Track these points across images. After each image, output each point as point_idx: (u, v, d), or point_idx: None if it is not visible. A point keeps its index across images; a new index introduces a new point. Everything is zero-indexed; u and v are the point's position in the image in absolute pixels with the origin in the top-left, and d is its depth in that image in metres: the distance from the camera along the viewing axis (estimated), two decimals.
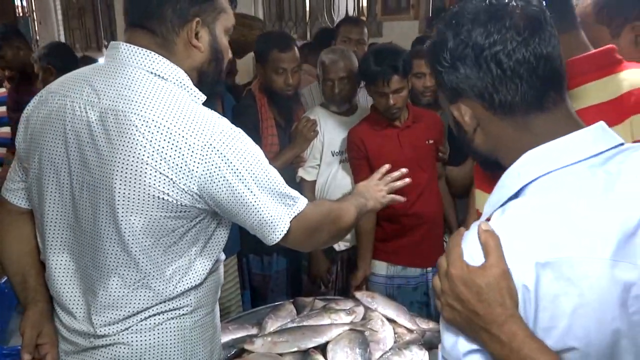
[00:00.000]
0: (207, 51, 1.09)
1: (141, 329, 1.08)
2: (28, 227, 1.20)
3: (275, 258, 2.34)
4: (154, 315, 1.08)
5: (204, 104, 1.07)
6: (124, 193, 0.99)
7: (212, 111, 1.05)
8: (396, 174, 1.45)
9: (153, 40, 1.05)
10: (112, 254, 1.04)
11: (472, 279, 0.67)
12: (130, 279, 1.05)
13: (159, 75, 1.04)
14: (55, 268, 1.12)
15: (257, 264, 2.35)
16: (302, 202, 1.12)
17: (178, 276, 1.08)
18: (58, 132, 1.06)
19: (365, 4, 4.84)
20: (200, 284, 1.12)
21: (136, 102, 0.99)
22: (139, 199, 0.99)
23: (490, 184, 1.43)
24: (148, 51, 1.04)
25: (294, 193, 1.11)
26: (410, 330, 1.60)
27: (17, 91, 3.06)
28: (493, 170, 0.80)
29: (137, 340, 1.08)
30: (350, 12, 4.85)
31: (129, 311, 1.07)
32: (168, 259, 1.06)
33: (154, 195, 0.98)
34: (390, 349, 1.48)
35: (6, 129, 3.03)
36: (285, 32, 3.55)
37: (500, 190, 0.75)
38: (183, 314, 1.11)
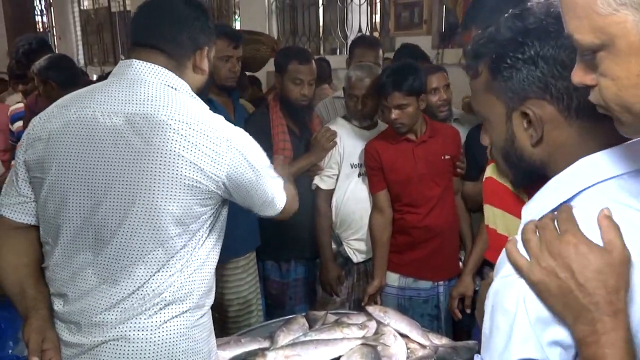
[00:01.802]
0: (206, 74, 1.30)
1: (148, 326, 1.15)
2: (24, 241, 1.24)
3: (293, 266, 2.35)
4: (161, 310, 1.16)
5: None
6: (164, 183, 1.11)
7: (221, 119, 1.22)
8: None
9: (167, 61, 1.21)
10: (140, 243, 1.14)
11: (596, 254, 0.61)
12: (156, 263, 1.15)
13: (173, 87, 1.20)
14: (70, 269, 1.17)
15: (275, 271, 2.36)
16: (285, 190, 1.34)
17: (193, 267, 1.20)
18: (78, 139, 1.14)
19: (378, 19, 4.88)
20: (208, 280, 1.25)
21: (163, 105, 1.14)
22: (176, 188, 1.12)
23: (500, 198, 1.42)
24: (161, 67, 1.20)
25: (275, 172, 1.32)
26: (422, 346, 1.59)
27: (36, 106, 3.11)
28: (531, 181, 0.77)
29: (142, 337, 1.15)
30: (364, 28, 4.90)
31: (147, 298, 1.15)
32: (190, 247, 1.18)
33: (188, 184, 1.13)
34: None
35: None
36: (305, 49, 3.63)
37: (548, 195, 0.71)
38: (184, 311, 1.19)
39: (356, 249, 2.31)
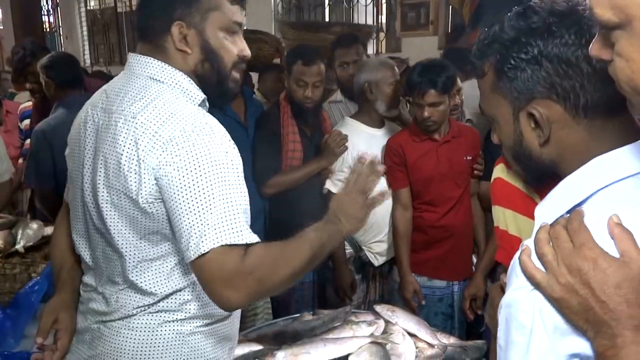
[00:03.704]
0: (198, 52, 1.11)
1: (138, 327, 1.12)
2: None
3: None
4: (150, 313, 1.12)
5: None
6: (108, 187, 1.07)
7: (203, 116, 1.06)
8: (367, 166, 1.19)
9: (152, 49, 1.12)
10: (105, 246, 1.12)
11: (614, 268, 0.59)
12: (120, 275, 1.11)
13: (157, 80, 1.10)
14: (82, 260, 1.22)
15: None
16: (244, 238, 0.99)
17: (165, 274, 1.10)
18: (79, 136, 1.17)
19: (384, 19, 4.89)
20: (189, 288, 1.12)
21: (125, 102, 1.07)
22: (118, 192, 1.05)
23: (510, 199, 1.41)
24: (149, 58, 1.11)
25: (242, 228, 0.99)
26: (431, 345, 1.59)
27: (42, 105, 3.13)
28: (542, 182, 0.76)
29: (133, 337, 1.12)
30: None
31: (130, 294, 1.12)
32: (153, 253, 1.09)
33: (129, 188, 1.03)
34: None
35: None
36: (315, 47, 3.61)
37: (562, 196, 0.70)
38: (180, 319, 1.12)
39: (377, 252, 2.29)
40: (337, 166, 2.22)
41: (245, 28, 1.20)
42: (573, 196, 0.68)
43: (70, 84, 2.51)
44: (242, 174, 1.06)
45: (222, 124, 1.58)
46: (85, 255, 1.19)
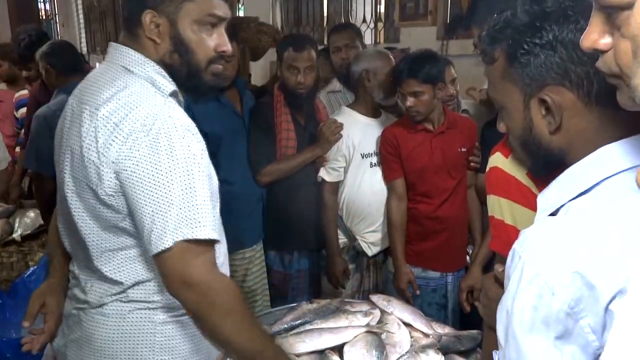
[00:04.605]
0: (167, 43, 1.09)
1: (111, 313, 1.12)
2: None
3: (296, 257, 2.35)
4: (120, 301, 1.12)
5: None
6: (73, 177, 1.07)
7: (168, 108, 1.03)
8: None
9: (129, 38, 1.11)
10: (75, 234, 1.12)
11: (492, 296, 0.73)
12: (90, 263, 1.12)
13: (128, 70, 1.08)
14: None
15: (278, 262, 2.37)
16: (206, 232, 0.98)
17: (128, 264, 1.10)
18: (61, 124, 1.17)
19: (382, 9, 4.86)
20: (156, 279, 1.11)
21: (94, 92, 1.06)
22: (81, 183, 1.05)
23: (507, 189, 1.41)
24: (124, 47, 1.10)
25: (205, 223, 0.98)
26: (426, 335, 1.60)
27: (41, 93, 3.12)
28: (547, 172, 0.75)
29: (106, 323, 1.13)
30: (368, 18, 4.87)
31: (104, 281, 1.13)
32: (116, 244, 1.09)
33: (91, 180, 1.03)
34: (406, 352, 1.49)
35: None
36: (306, 35, 3.59)
37: (566, 184, 0.69)
38: (151, 308, 1.12)
39: (371, 242, 2.30)
40: (331, 154, 2.22)
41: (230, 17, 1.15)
42: (577, 185, 0.68)
43: (72, 70, 2.51)
44: (207, 168, 1.04)
45: (218, 116, 1.59)
46: (65, 242, 1.21)
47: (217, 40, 1.12)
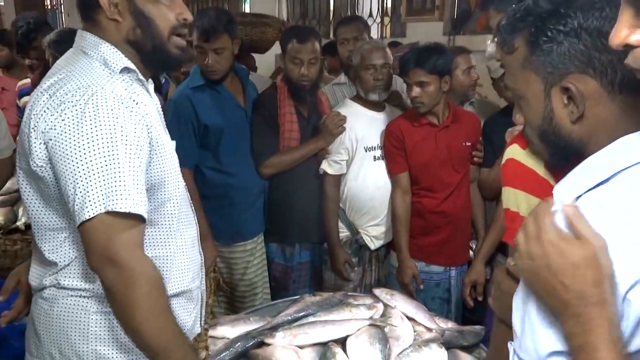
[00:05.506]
0: (129, 19, 1.09)
1: (48, 297, 1.12)
2: None
3: (298, 249, 2.35)
4: (55, 286, 1.11)
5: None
6: (18, 152, 1.10)
7: (110, 84, 1.03)
8: None
9: (89, 25, 1.12)
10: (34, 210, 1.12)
11: (571, 249, 0.60)
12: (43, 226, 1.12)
13: (85, 52, 1.10)
14: None
15: (279, 254, 2.37)
16: (129, 205, 0.95)
17: (64, 246, 1.09)
18: None
19: (389, 4, 4.83)
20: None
21: (48, 75, 1.08)
22: (21, 156, 1.08)
23: (523, 181, 1.40)
24: (83, 32, 1.13)
25: (128, 197, 0.95)
26: (429, 329, 1.60)
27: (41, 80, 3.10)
28: (566, 163, 0.74)
29: (44, 306, 1.13)
30: (374, 12, 4.85)
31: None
32: (54, 222, 1.09)
33: (25, 152, 1.04)
34: (409, 346, 1.48)
35: None
36: (310, 27, 3.58)
37: (585, 174, 0.69)
38: (85, 296, 1.10)
39: (374, 235, 2.29)
40: (334, 147, 2.21)
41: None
42: (596, 175, 0.67)
43: None
44: (143, 145, 1.02)
45: (219, 107, 1.53)
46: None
47: (177, 10, 1.13)
